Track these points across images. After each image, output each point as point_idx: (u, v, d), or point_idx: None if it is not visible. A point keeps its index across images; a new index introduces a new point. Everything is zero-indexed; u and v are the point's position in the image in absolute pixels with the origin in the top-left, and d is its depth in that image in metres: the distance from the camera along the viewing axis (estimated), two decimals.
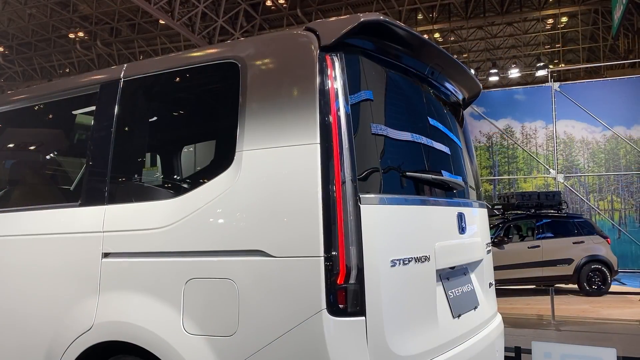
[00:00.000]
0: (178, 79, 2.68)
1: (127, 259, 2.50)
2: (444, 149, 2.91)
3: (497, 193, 14.94)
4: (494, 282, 3.35)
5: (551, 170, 15.16)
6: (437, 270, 2.53)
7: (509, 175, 15.76)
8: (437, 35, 25.94)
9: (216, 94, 2.52)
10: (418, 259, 2.38)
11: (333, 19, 2.37)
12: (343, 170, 2.13)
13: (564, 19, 23.87)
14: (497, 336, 3.09)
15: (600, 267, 10.78)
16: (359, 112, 2.31)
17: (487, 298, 3.12)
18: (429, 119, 2.86)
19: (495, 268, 10.30)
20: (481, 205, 3.35)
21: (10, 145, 3.41)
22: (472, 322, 2.80)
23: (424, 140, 2.71)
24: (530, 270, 10.65)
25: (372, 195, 2.22)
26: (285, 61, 2.38)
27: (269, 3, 23.94)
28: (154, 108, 2.79)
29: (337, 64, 2.25)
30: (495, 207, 12.34)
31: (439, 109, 3.08)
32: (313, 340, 2.03)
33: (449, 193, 2.80)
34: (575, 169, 15.26)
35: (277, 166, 2.22)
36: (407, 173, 2.48)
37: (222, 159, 2.34)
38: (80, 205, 2.72)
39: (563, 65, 25.88)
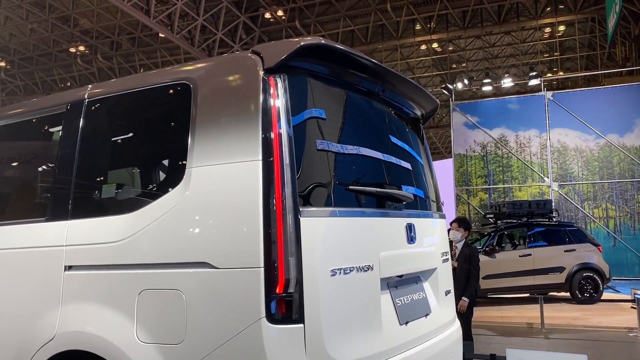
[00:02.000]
0: (136, 99, 2.80)
1: (87, 271, 2.61)
2: (395, 162, 3.01)
3: (491, 202, 15.01)
4: (452, 290, 3.44)
5: (545, 178, 15.23)
6: (382, 279, 2.63)
7: (503, 184, 15.84)
8: (435, 45, 26.12)
9: (171, 114, 2.63)
10: (360, 268, 2.48)
11: (277, 42, 2.50)
12: (283, 185, 2.24)
13: (562, 28, 23.99)
14: (452, 343, 3.17)
15: (592, 274, 10.82)
16: (302, 129, 2.43)
17: (442, 306, 3.20)
18: (379, 134, 2.98)
19: (487, 277, 10.34)
20: (439, 216, 3.46)
21: None
22: (421, 329, 2.88)
23: (372, 154, 2.82)
24: (522, 278, 10.70)
25: (313, 209, 2.33)
26: (233, 82, 2.51)
27: (267, 15, 24.19)
28: (114, 127, 2.91)
29: (279, 85, 2.37)
30: (487, 215, 12.41)
31: (391, 125, 3.19)
32: (253, 347, 2.13)
33: (397, 205, 2.90)
34: (570, 177, 15.31)
35: (222, 182, 2.34)
36: (350, 187, 2.59)
37: (174, 176, 2.46)
38: (47, 220, 2.84)
39: (562, 73, 25.96)
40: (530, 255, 10.91)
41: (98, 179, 2.84)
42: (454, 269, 6.53)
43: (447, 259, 3.43)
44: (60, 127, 2.98)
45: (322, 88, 2.65)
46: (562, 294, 11.22)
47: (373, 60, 2.86)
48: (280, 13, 23.97)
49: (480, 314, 9.97)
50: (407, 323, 2.77)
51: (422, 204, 3.31)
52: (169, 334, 2.31)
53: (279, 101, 2.35)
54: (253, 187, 2.24)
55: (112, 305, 2.48)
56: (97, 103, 2.90)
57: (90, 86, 3.02)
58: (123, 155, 2.84)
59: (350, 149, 2.69)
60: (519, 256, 10.94)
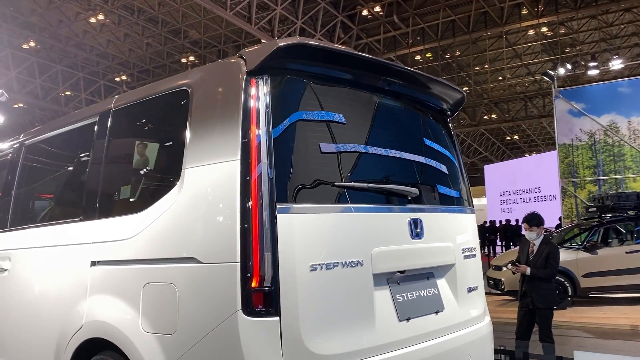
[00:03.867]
0: (148, 106, 3.02)
1: (107, 266, 2.87)
2: (400, 157, 2.96)
3: (595, 195, 13.86)
4: (479, 287, 3.31)
5: None
6: (377, 274, 2.62)
7: (615, 175, 14.56)
8: (544, 29, 24.62)
9: (174, 118, 2.80)
10: (347, 264, 2.49)
11: (261, 45, 2.56)
12: (260, 183, 2.32)
13: None
14: (472, 341, 3.07)
15: None
16: (286, 128, 2.49)
17: (462, 303, 3.10)
18: (380, 129, 2.93)
19: (587, 275, 9.61)
20: (462, 211, 3.34)
21: (33, 173, 3.98)
22: (429, 326, 2.82)
23: (367, 150, 2.79)
24: (629, 277, 9.80)
25: (292, 206, 2.38)
26: (220, 85, 2.63)
27: (365, 13, 24.23)
28: (131, 133, 3.16)
29: (261, 86, 2.46)
30: (590, 209, 11.51)
31: (399, 119, 3.14)
32: (231, 338, 2.24)
33: (398, 200, 2.85)
34: None
35: (208, 181, 2.47)
36: (336, 183, 2.59)
37: (174, 176, 2.63)
38: (81, 220, 3.15)
39: None
40: (639, 252, 9.97)
41: (118, 182, 3.09)
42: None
43: (472, 255, 3.30)
44: (92, 136, 3.28)
45: (312, 86, 2.68)
46: None
47: (365, 55, 2.84)
48: (377, 9, 23.91)
49: (579, 314, 9.32)
50: (408, 319, 2.73)
51: (438, 199, 3.22)
52: (165, 325, 2.48)
53: (259, 102, 2.43)
54: (232, 185, 2.34)
55: (123, 298, 2.71)
56: (119, 112, 3.17)
57: (117, 96, 3.30)
58: (138, 158, 3.06)
59: (340, 146, 2.68)
60: (626, 252, 10.04)
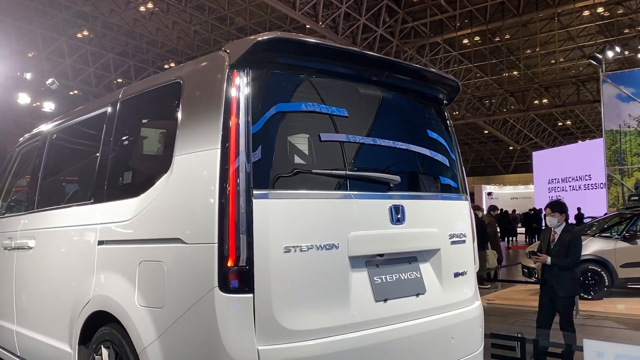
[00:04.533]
0: (148, 98, 3.23)
1: (110, 245, 3.09)
2: (383, 145, 3.04)
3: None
4: (468, 272, 3.37)
5: None
6: (354, 257, 2.74)
7: None
8: (600, 9, 23.65)
9: (169, 109, 2.96)
10: (321, 247, 2.61)
11: (244, 39, 2.68)
12: (238, 170, 2.47)
13: None
14: (456, 324, 3.15)
15: None
16: (265, 118, 2.61)
17: (447, 287, 3.18)
18: (362, 118, 3.01)
19: (626, 265, 9.35)
20: (449, 198, 3.40)
21: (55, 159, 4.25)
22: (407, 307, 2.92)
23: (349, 139, 2.89)
24: None
25: (268, 192, 2.52)
26: (207, 78, 2.79)
27: None
28: (133, 122, 3.35)
29: (242, 79, 2.60)
30: (632, 198, 11.11)
31: (385, 108, 3.21)
32: (208, 312, 2.42)
33: (379, 187, 2.93)
34: None
35: (193, 168, 2.65)
36: (313, 170, 2.71)
37: (167, 163, 2.81)
38: (92, 203, 3.38)
39: None
40: None
41: (121, 168, 3.30)
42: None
43: (461, 241, 3.35)
44: (103, 124, 3.50)
45: (293, 78, 2.80)
46: None
47: (343, 47, 2.92)
48: None
49: (614, 304, 9.10)
50: (385, 300, 2.83)
51: (425, 186, 3.29)
52: (156, 299, 2.67)
53: (240, 93, 2.57)
54: (212, 172, 2.50)
55: (123, 274, 2.92)
56: (125, 103, 3.38)
57: (124, 88, 3.50)
58: (138, 145, 3.26)
59: (321, 135, 2.79)
60: None
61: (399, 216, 2.93)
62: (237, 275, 2.41)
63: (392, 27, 25.41)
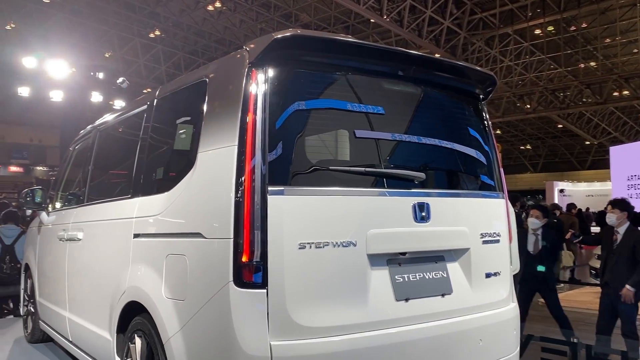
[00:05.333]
0: (179, 96, 3.34)
1: (143, 238, 3.21)
2: (406, 142, 3.00)
3: None
4: (502, 272, 3.25)
5: None
6: (374, 255, 2.71)
7: None
8: None
9: (197, 106, 3.01)
10: (338, 244, 2.60)
11: (263, 37, 2.70)
12: (253, 167, 2.50)
13: None
14: (485, 326, 3.06)
15: None
16: (283, 115, 2.63)
17: (476, 287, 3.09)
18: (386, 114, 2.96)
19: None
20: (482, 196, 3.30)
21: (102, 155, 4.45)
22: (431, 308, 2.86)
23: (370, 135, 2.86)
24: None
25: (284, 188, 2.53)
26: (228, 76, 2.85)
27: None
28: (169, 120, 3.45)
29: (260, 76, 2.63)
30: None
31: (407, 104, 3.17)
32: (223, 306, 2.47)
33: (402, 184, 2.87)
34: None
35: (213, 165, 2.72)
36: (330, 168, 2.70)
37: (192, 159, 2.89)
38: (130, 197, 3.52)
39: None
40: None
41: (155, 164, 3.41)
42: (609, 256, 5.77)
43: (495, 241, 3.23)
44: (141, 121, 3.64)
45: (313, 75, 2.79)
46: None
47: (363, 42, 2.89)
48: None
49: None
50: (407, 300, 2.78)
51: (453, 183, 3.23)
52: (179, 292, 2.76)
53: (258, 91, 2.60)
54: (230, 169, 2.55)
55: (153, 267, 3.02)
56: (161, 101, 3.51)
57: (161, 86, 3.61)
58: (169, 142, 3.35)
59: (341, 132, 2.79)
60: None
61: (423, 214, 2.87)
62: (251, 270, 2.44)
63: (460, 19, 24.75)
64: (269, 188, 2.49)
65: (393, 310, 2.72)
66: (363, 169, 2.79)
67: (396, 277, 2.79)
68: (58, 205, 5.16)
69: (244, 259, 2.44)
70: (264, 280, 2.44)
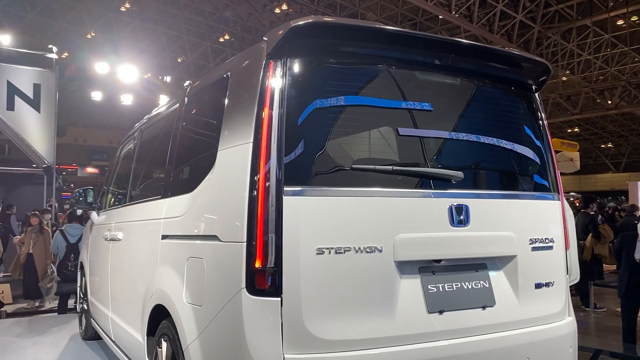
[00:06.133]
0: (204, 93, 3.23)
1: (169, 240, 3.12)
2: (441, 138, 2.74)
3: None
4: (554, 282, 2.90)
5: None
6: (402, 262, 2.47)
7: None
8: None
9: (220, 103, 2.88)
10: (361, 249, 2.38)
11: (282, 25, 2.51)
12: (269, 166, 2.33)
13: None
14: (532, 343, 2.73)
15: None
16: (302, 110, 2.44)
17: (524, 299, 2.78)
18: (419, 108, 2.70)
19: None
20: (533, 197, 2.97)
21: (141, 156, 4.42)
22: (469, 321, 2.58)
23: (400, 131, 2.63)
24: None
25: (301, 188, 2.33)
26: (246, 69, 2.70)
27: None
28: (195, 119, 3.35)
29: (279, 68, 2.44)
30: None
31: (444, 96, 2.88)
32: (235, 314, 2.32)
33: (437, 184, 2.61)
34: None
35: (230, 163, 2.57)
36: (353, 166, 2.47)
37: (213, 158, 2.75)
38: (160, 198, 3.46)
39: None
40: None
41: (181, 163, 3.32)
42: None
43: (547, 247, 2.90)
44: (173, 121, 3.56)
45: (335, 66, 2.58)
46: None
47: (392, 28, 2.64)
48: None
49: None
50: (441, 312, 2.51)
51: (498, 183, 2.93)
52: (198, 297, 2.64)
53: (275, 84, 2.42)
54: (244, 168, 2.39)
55: (175, 269, 2.94)
56: (189, 100, 3.42)
57: (192, 83, 3.52)
58: (195, 141, 3.25)
59: (367, 128, 2.57)
60: None
61: (461, 217, 2.60)
62: (265, 277, 2.27)
63: (534, 12, 23.65)
64: (285, 188, 2.31)
65: (424, 323, 2.48)
66: (391, 167, 2.55)
67: (429, 286, 2.54)
68: (106, 205, 5.24)
69: (257, 264, 2.27)
70: (278, 288, 2.26)
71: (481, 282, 2.69)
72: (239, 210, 2.35)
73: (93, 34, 27.05)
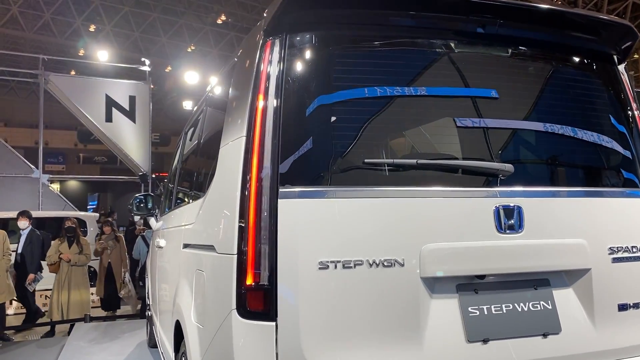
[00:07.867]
0: (220, 86, 2.87)
1: (186, 249, 2.84)
2: (492, 126, 2.24)
3: None
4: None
5: None
6: (432, 279, 2.00)
7: None
8: None
9: (226, 94, 2.56)
10: (377, 263, 1.93)
11: None
12: (262, 163, 1.96)
13: None
14: None
15: None
16: (303, 98, 2.07)
17: (601, 324, 2.18)
18: (451, 88, 2.22)
19: None
20: (611, 195, 2.35)
21: (184, 160, 4.11)
22: (524, 354, 2.04)
23: (427, 117, 2.18)
24: None
25: (299, 189, 1.95)
26: (245, 52, 2.36)
27: None
28: (209, 116, 3.05)
29: (277, 49, 2.07)
30: None
31: (490, 72, 2.33)
32: (227, 340, 1.97)
33: (477, 180, 2.12)
34: None
35: (226, 161, 2.24)
36: (365, 161, 2.03)
37: (217, 156, 2.42)
38: (186, 204, 3.23)
39: None
40: None
41: (201, 167, 3.05)
42: None
43: (633, 258, 2.27)
44: (200, 120, 3.32)
45: (346, 43, 2.18)
46: None
47: None
48: None
49: None
50: (485, 341, 2.01)
51: (562, 178, 2.34)
52: (199, 315, 2.35)
53: (271, 68, 2.05)
54: (237, 166, 2.04)
55: (187, 282, 2.68)
56: (209, 94, 3.17)
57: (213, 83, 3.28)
58: (213, 141, 2.95)
59: (382, 117, 2.12)
60: None
61: (511, 221, 2.08)
62: (257, 297, 1.90)
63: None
64: (281, 189, 1.92)
65: (463, 355, 1.99)
66: (415, 161, 2.10)
67: (470, 309, 2.04)
68: (162, 210, 5.15)
69: (249, 281, 1.90)
70: (272, 310, 1.87)
71: (542, 302, 2.13)
72: (231, 217, 2.01)
73: (193, 47, 28.27)
